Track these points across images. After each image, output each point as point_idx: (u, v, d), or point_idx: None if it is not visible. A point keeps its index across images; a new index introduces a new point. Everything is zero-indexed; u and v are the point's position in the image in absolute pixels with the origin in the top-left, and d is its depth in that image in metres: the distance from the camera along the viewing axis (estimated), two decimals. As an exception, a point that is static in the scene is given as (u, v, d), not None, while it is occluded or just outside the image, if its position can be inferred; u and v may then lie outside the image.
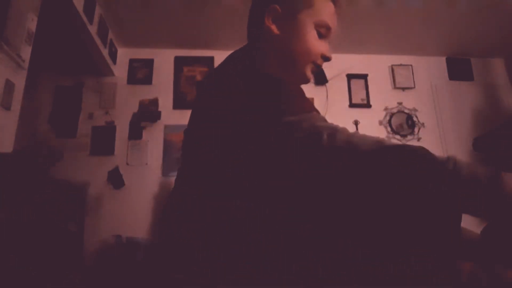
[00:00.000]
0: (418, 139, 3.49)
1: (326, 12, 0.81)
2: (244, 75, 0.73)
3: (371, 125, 3.47)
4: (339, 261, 0.59)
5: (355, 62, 3.52)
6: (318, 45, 0.81)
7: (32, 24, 1.90)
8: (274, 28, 0.82)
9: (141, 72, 3.48)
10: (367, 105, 3.57)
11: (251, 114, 0.67)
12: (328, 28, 0.81)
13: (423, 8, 2.92)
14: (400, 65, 3.70)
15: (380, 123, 3.54)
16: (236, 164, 0.68)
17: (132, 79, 3.46)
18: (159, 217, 0.84)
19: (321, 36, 0.81)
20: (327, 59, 0.83)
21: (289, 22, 0.81)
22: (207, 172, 0.73)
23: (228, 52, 0.85)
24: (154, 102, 3.40)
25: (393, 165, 0.53)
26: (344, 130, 0.63)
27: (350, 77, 3.61)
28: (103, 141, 3.26)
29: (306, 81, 0.84)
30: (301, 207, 0.63)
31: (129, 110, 3.37)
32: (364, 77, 3.64)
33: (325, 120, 0.67)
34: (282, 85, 0.69)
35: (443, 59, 3.78)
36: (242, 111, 0.68)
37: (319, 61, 0.83)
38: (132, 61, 3.50)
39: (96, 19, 2.77)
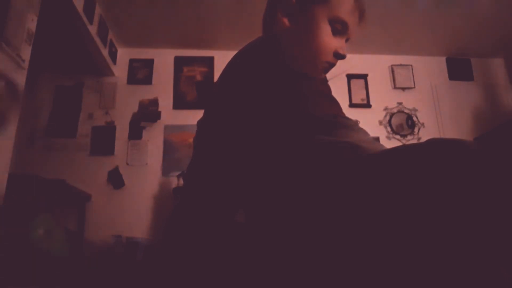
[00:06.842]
0: (418, 139, 3.49)
1: (344, 8, 0.75)
2: (268, 68, 0.69)
3: (371, 125, 3.47)
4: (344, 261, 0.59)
5: (355, 62, 3.52)
6: (330, 42, 0.75)
7: (32, 24, 1.90)
8: (285, 21, 0.78)
9: (141, 72, 3.48)
10: (367, 105, 3.58)
11: (271, 109, 0.65)
12: (344, 25, 0.75)
13: (423, 9, 2.92)
14: (400, 65, 3.70)
15: (380, 123, 3.54)
16: (251, 163, 0.67)
17: (132, 79, 3.46)
18: (168, 218, 0.82)
19: (336, 32, 0.75)
20: (340, 56, 0.77)
21: (302, 16, 0.76)
22: (219, 169, 0.71)
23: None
24: (154, 102, 3.40)
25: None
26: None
27: (350, 77, 3.61)
28: (103, 141, 3.26)
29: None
30: (318, 215, 0.62)
31: (129, 110, 3.37)
32: (364, 77, 3.65)
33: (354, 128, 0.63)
34: (307, 82, 0.67)
35: (443, 59, 3.78)
36: (262, 105, 0.66)
37: (331, 59, 0.77)
38: (132, 61, 3.50)
39: (96, 19, 2.77)
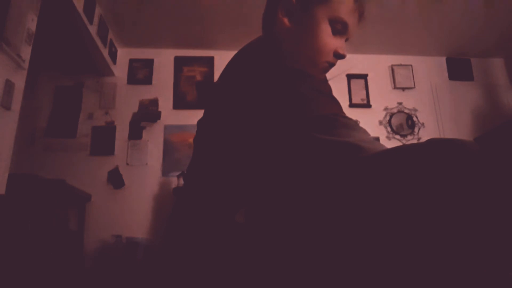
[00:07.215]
0: (418, 139, 3.49)
1: (343, 8, 0.75)
2: (268, 68, 0.69)
3: (371, 125, 3.47)
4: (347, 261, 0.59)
5: (355, 62, 3.52)
6: (330, 42, 0.75)
7: (32, 24, 1.90)
8: (286, 21, 0.78)
9: (141, 72, 3.48)
10: (367, 105, 3.58)
11: (272, 109, 0.65)
12: (344, 25, 0.76)
13: (423, 8, 2.92)
14: (400, 65, 3.70)
15: (380, 123, 3.54)
16: (252, 163, 0.67)
17: (132, 79, 3.46)
18: (168, 218, 0.83)
19: (336, 32, 0.76)
20: (340, 56, 0.77)
21: (302, 16, 0.76)
22: (220, 169, 0.71)
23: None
24: (154, 102, 3.40)
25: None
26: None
27: (350, 77, 3.61)
28: (103, 141, 3.26)
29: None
30: (317, 215, 0.62)
31: (129, 110, 3.37)
32: (364, 77, 3.65)
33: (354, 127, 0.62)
34: (307, 81, 0.67)
35: (443, 59, 3.78)
36: (263, 105, 0.66)
37: (330, 59, 0.77)
38: (132, 61, 3.50)
39: (96, 19, 2.77)
